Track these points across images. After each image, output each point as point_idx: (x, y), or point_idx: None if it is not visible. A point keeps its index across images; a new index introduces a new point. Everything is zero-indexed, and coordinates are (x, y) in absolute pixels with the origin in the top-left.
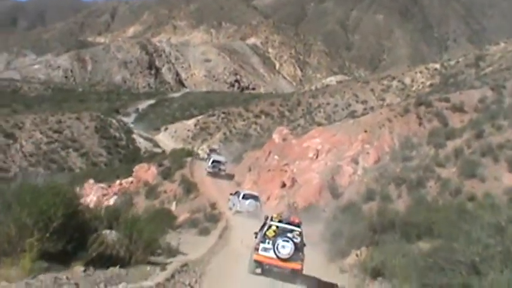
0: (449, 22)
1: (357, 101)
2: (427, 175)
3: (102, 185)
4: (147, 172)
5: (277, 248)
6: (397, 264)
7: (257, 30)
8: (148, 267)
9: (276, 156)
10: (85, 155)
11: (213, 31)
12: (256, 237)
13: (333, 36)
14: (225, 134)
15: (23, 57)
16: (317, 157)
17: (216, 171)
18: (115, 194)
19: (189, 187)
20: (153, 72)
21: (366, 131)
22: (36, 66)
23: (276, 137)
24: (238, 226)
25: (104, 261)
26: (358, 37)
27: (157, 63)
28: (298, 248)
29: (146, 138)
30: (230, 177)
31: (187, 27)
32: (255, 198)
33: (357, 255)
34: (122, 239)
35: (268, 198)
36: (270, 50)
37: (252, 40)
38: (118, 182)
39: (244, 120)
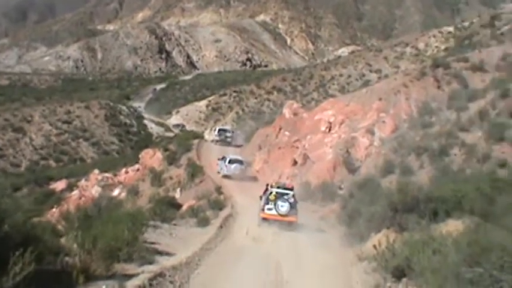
0: None
1: (370, 71)
2: (450, 142)
3: (107, 174)
4: (152, 158)
5: (277, 207)
6: (426, 265)
7: (266, 7)
8: (104, 286)
9: (286, 132)
10: (96, 144)
11: (221, 11)
12: (261, 200)
13: (343, 7)
14: (237, 113)
15: (34, 50)
16: (330, 130)
17: (223, 138)
18: (120, 183)
19: (195, 171)
20: (163, 56)
21: (380, 99)
22: (46, 58)
23: (286, 111)
24: (244, 212)
25: (45, 280)
26: (368, 7)
27: (167, 47)
28: (293, 206)
29: (158, 123)
30: (239, 147)
31: (195, 9)
32: (240, 162)
33: (374, 246)
34: (71, 249)
35: (279, 178)
36: (280, 25)
37: (261, 17)
38: (124, 170)
39: (256, 97)
